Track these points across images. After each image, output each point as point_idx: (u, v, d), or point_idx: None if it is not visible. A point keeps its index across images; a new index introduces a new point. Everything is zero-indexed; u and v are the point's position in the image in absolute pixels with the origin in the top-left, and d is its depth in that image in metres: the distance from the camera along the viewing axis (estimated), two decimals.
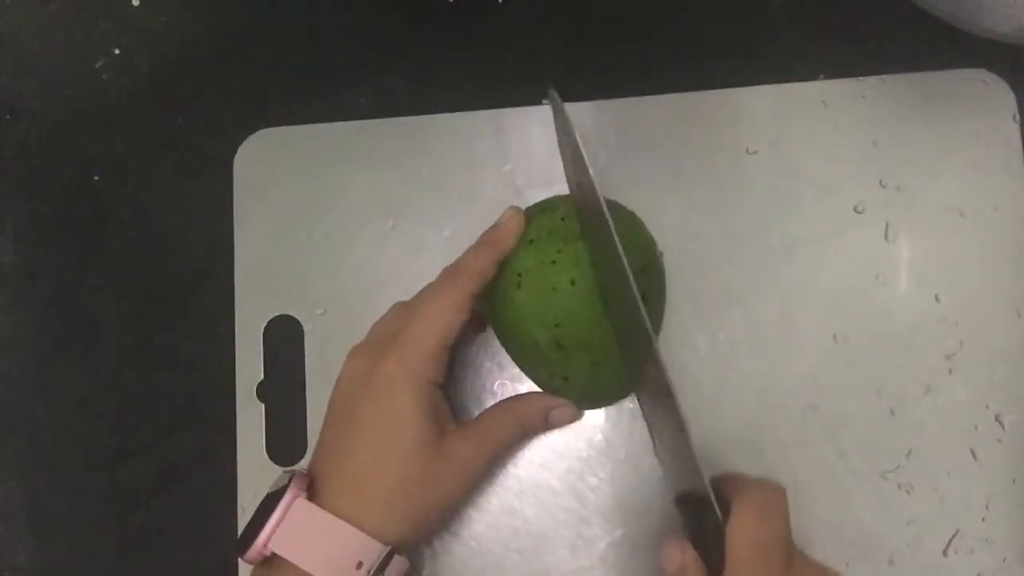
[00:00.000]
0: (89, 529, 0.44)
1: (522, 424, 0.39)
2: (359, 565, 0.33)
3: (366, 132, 0.45)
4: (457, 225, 0.44)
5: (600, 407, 0.41)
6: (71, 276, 0.46)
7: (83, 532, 0.44)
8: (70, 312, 0.45)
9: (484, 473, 0.38)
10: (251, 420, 0.43)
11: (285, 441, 0.43)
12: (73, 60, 0.47)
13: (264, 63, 0.47)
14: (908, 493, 0.40)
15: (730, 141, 0.43)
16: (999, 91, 0.43)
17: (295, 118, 0.45)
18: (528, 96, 0.44)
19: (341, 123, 0.45)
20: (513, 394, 0.41)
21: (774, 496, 0.33)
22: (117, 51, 0.47)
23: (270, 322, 0.44)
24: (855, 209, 0.42)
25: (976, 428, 0.41)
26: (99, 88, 0.47)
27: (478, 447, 0.37)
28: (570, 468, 0.41)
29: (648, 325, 0.32)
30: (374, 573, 0.33)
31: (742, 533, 0.31)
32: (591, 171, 0.33)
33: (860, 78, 0.43)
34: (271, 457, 0.42)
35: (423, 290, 0.38)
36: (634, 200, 0.41)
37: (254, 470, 0.42)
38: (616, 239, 0.32)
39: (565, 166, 0.40)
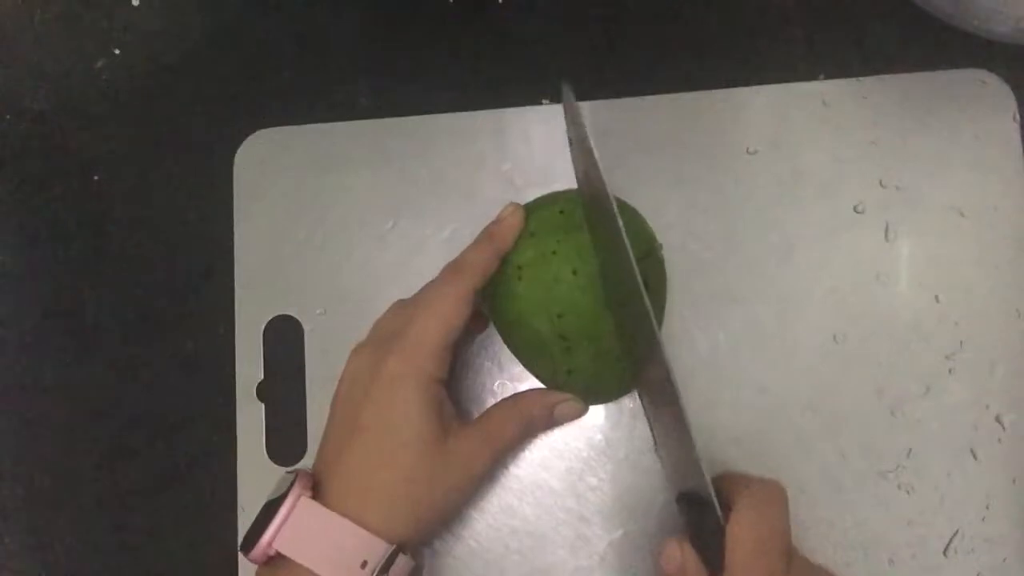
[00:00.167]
0: (89, 529, 0.44)
1: (527, 420, 0.39)
2: (364, 564, 0.32)
3: (366, 132, 0.45)
4: (457, 225, 0.44)
5: (604, 402, 0.41)
6: (71, 277, 0.46)
7: (83, 532, 0.44)
8: (70, 313, 0.45)
9: (489, 471, 0.38)
10: (251, 420, 0.43)
11: (285, 441, 0.43)
12: (73, 60, 0.47)
13: (264, 63, 0.47)
14: (908, 493, 0.40)
15: (730, 141, 0.43)
16: (999, 91, 0.43)
17: (295, 118, 0.45)
18: (528, 96, 0.44)
19: (341, 123, 0.45)
20: (514, 393, 0.41)
21: (775, 495, 0.33)
22: (117, 51, 0.47)
23: (270, 322, 0.44)
24: (855, 209, 0.43)
25: (976, 428, 0.41)
26: (99, 88, 0.47)
27: (483, 445, 0.37)
28: (570, 468, 0.41)
29: (651, 310, 0.32)
30: (379, 572, 0.33)
31: (742, 532, 0.31)
32: (596, 154, 0.33)
33: (860, 78, 0.43)
34: (271, 457, 0.42)
35: (424, 287, 0.38)
36: (634, 200, 0.41)
37: (254, 470, 0.42)
38: (619, 220, 0.32)
39: (572, 154, 0.40)
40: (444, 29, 0.46)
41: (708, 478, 0.32)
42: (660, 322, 0.41)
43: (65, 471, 0.44)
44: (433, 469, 0.34)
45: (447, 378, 0.36)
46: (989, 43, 0.42)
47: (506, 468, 0.41)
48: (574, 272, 0.36)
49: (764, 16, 0.45)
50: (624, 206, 0.40)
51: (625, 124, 0.43)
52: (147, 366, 0.45)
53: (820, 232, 0.42)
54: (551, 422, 0.40)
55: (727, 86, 0.44)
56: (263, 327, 0.44)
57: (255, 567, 0.34)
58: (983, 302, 0.41)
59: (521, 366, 0.41)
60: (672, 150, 0.43)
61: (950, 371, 0.41)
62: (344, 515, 0.33)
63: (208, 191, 0.45)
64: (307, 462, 0.42)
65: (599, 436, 0.41)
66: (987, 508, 0.40)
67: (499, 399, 0.41)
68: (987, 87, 0.43)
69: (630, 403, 0.41)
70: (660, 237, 0.41)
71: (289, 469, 0.38)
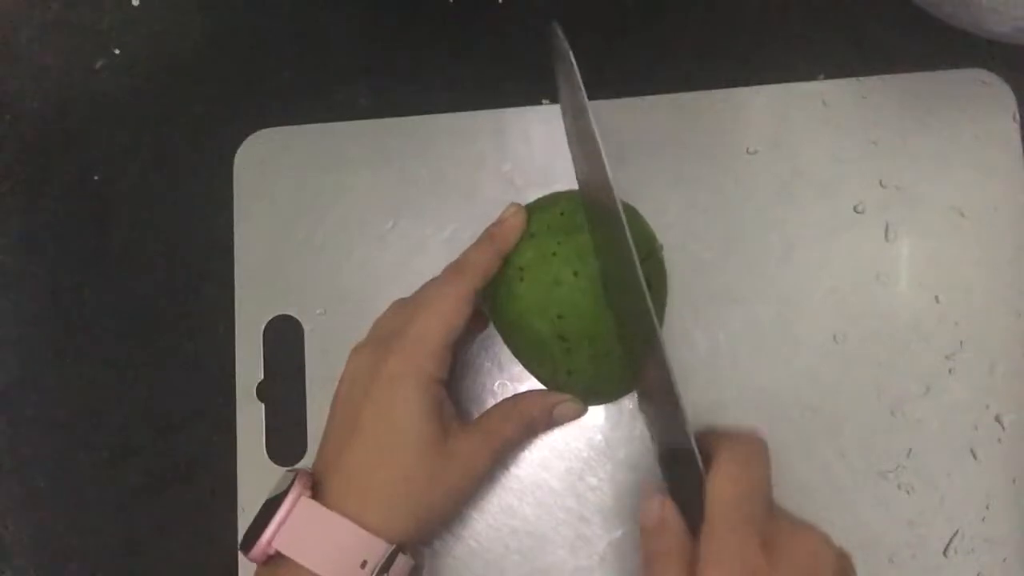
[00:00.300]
0: (89, 529, 0.44)
1: (527, 421, 0.39)
2: (363, 564, 0.32)
3: (366, 132, 0.45)
4: (457, 225, 0.44)
5: (604, 403, 0.41)
6: (71, 276, 0.46)
7: (83, 532, 0.44)
8: (70, 312, 0.45)
9: (489, 471, 0.37)
10: (251, 420, 0.43)
11: (285, 441, 0.43)
12: (73, 60, 0.47)
13: (264, 63, 0.47)
14: (908, 493, 0.40)
15: (730, 141, 0.43)
16: (999, 91, 0.43)
17: (295, 118, 0.45)
18: (528, 96, 0.44)
19: (341, 123, 0.45)
20: (514, 394, 0.41)
21: (756, 448, 0.33)
22: (117, 51, 0.47)
23: (270, 322, 0.44)
24: (855, 209, 0.43)
25: (976, 428, 0.41)
26: (99, 88, 0.47)
27: (483, 445, 0.37)
28: (570, 468, 0.41)
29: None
30: (379, 572, 0.33)
31: (722, 483, 0.31)
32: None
33: (860, 78, 0.43)
34: (271, 457, 0.42)
35: (424, 286, 0.38)
36: (634, 200, 0.41)
37: (254, 470, 0.42)
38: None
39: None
40: (444, 29, 0.46)
41: (691, 433, 0.32)
42: (661, 322, 0.41)
43: (65, 471, 0.44)
44: (433, 469, 0.34)
45: (447, 378, 0.36)
46: (989, 43, 0.42)
47: (506, 468, 0.41)
48: (574, 273, 0.36)
49: (764, 16, 0.45)
50: (624, 206, 0.40)
51: (625, 124, 0.43)
52: (147, 366, 0.45)
53: (820, 232, 0.42)
54: (551, 422, 0.40)
55: (727, 86, 0.44)
56: (263, 327, 0.44)
57: (255, 567, 0.34)
58: (983, 302, 0.41)
59: (521, 366, 0.41)
60: (672, 150, 0.43)
61: (950, 371, 0.41)
62: (344, 515, 0.33)
63: (208, 191, 0.45)
64: (307, 462, 0.42)
65: (599, 436, 0.41)
66: (987, 508, 0.40)
67: (499, 399, 0.41)
68: (987, 87, 0.43)
69: (630, 403, 0.41)
70: (660, 237, 0.41)
71: (289, 469, 0.38)
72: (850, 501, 0.40)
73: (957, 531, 0.40)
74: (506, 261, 0.38)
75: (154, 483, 0.44)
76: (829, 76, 0.44)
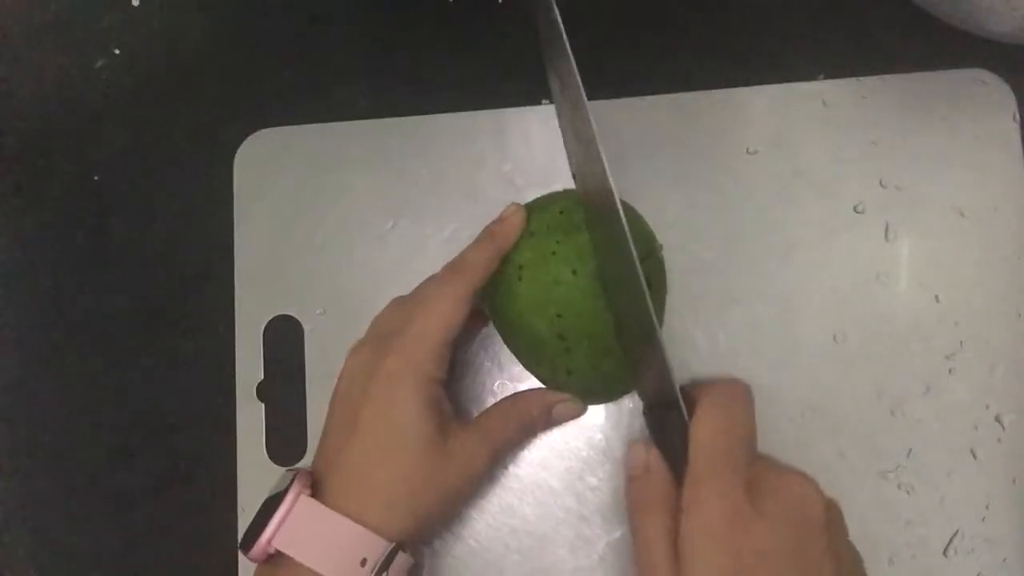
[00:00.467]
0: (89, 529, 0.44)
1: (526, 420, 0.39)
2: (363, 562, 0.32)
3: (366, 132, 0.45)
4: (457, 225, 0.44)
5: (603, 402, 0.41)
6: (71, 276, 0.46)
7: (83, 532, 0.44)
8: (70, 312, 0.45)
9: (488, 470, 0.37)
10: (251, 420, 0.43)
11: (285, 441, 0.43)
12: (73, 60, 0.47)
13: (264, 63, 0.47)
14: (908, 493, 0.40)
15: (730, 141, 0.43)
16: (999, 91, 0.43)
17: (295, 118, 0.45)
18: (528, 96, 0.44)
19: (341, 123, 0.45)
20: (513, 393, 0.41)
21: (738, 393, 0.34)
22: (117, 51, 0.47)
23: (270, 322, 0.44)
24: (855, 209, 0.43)
25: (976, 428, 0.41)
26: (99, 88, 0.47)
27: (482, 444, 0.37)
28: (570, 468, 0.41)
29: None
30: (378, 570, 0.33)
31: (706, 427, 0.32)
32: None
33: (860, 78, 0.43)
34: (271, 457, 0.42)
35: (423, 284, 0.38)
36: (634, 200, 0.41)
37: (254, 470, 0.42)
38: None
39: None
40: (444, 29, 0.46)
41: (676, 382, 0.32)
42: (660, 322, 0.41)
43: (65, 471, 0.44)
44: (432, 468, 0.34)
45: (446, 377, 0.36)
46: (989, 43, 0.42)
47: (506, 468, 0.41)
48: (573, 272, 0.36)
49: (764, 16, 0.45)
50: (624, 206, 0.40)
51: (625, 124, 0.43)
52: (147, 366, 0.45)
53: (820, 232, 0.42)
54: (550, 422, 0.40)
55: (727, 86, 0.44)
56: (263, 327, 0.44)
57: (255, 567, 0.34)
58: (983, 302, 0.41)
59: (521, 366, 0.41)
60: (672, 150, 0.43)
61: (950, 371, 0.41)
62: (343, 513, 0.33)
63: (208, 191, 0.45)
64: (307, 462, 0.42)
65: (599, 436, 0.41)
66: (987, 508, 0.40)
67: (499, 399, 0.41)
68: (987, 87, 0.43)
69: (630, 403, 0.41)
70: (660, 237, 0.41)
71: (289, 468, 0.38)
72: (850, 501, 0.40)
73: (957, 531, 0.40)
74: (505, 260, 0.38)
75: (154, 483, 0.44)
76: (829, 76, 0.44)
